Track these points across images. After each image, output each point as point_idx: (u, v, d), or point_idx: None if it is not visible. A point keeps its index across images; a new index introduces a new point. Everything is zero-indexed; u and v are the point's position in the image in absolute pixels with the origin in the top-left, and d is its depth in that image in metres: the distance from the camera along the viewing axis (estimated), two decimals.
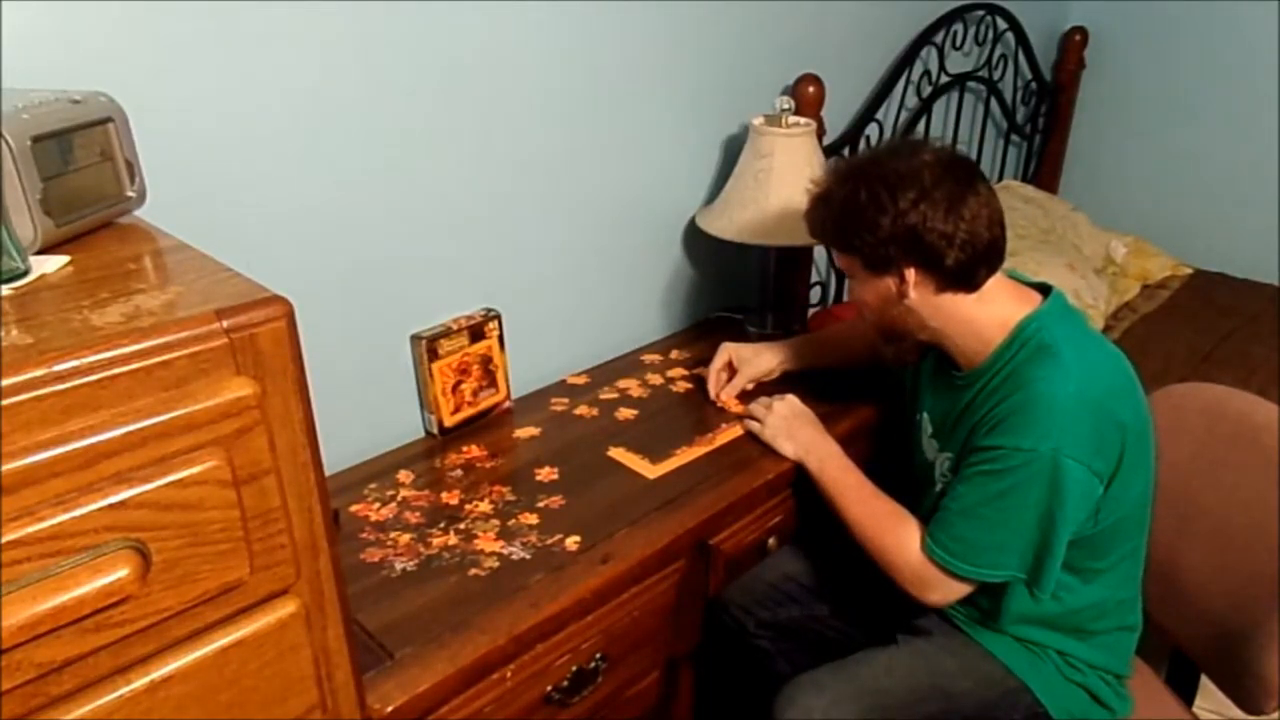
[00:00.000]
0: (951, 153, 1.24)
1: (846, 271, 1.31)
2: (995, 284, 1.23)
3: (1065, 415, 1.14)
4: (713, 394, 1.61)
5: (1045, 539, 1.17)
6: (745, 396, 1.59)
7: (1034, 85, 2.75)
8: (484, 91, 1.46)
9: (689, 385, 1.69)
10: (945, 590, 1.24)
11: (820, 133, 1.88)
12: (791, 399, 1.49)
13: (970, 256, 1.19)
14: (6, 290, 0.71)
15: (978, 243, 1.18)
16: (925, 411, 1.37)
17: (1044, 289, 1.27)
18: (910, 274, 1.21)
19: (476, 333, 1.54)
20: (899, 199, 1.17)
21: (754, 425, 1.49)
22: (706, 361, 1.68)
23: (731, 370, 1.62)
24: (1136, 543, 1.30)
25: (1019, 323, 1.22)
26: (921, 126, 2.34)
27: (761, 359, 1.62)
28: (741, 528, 1.42)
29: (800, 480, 1.44)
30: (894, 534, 1.26)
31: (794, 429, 1.45)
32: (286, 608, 0.77)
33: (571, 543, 1.26)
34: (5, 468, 0.58)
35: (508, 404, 1.62)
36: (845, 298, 2.27)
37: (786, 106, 1.73)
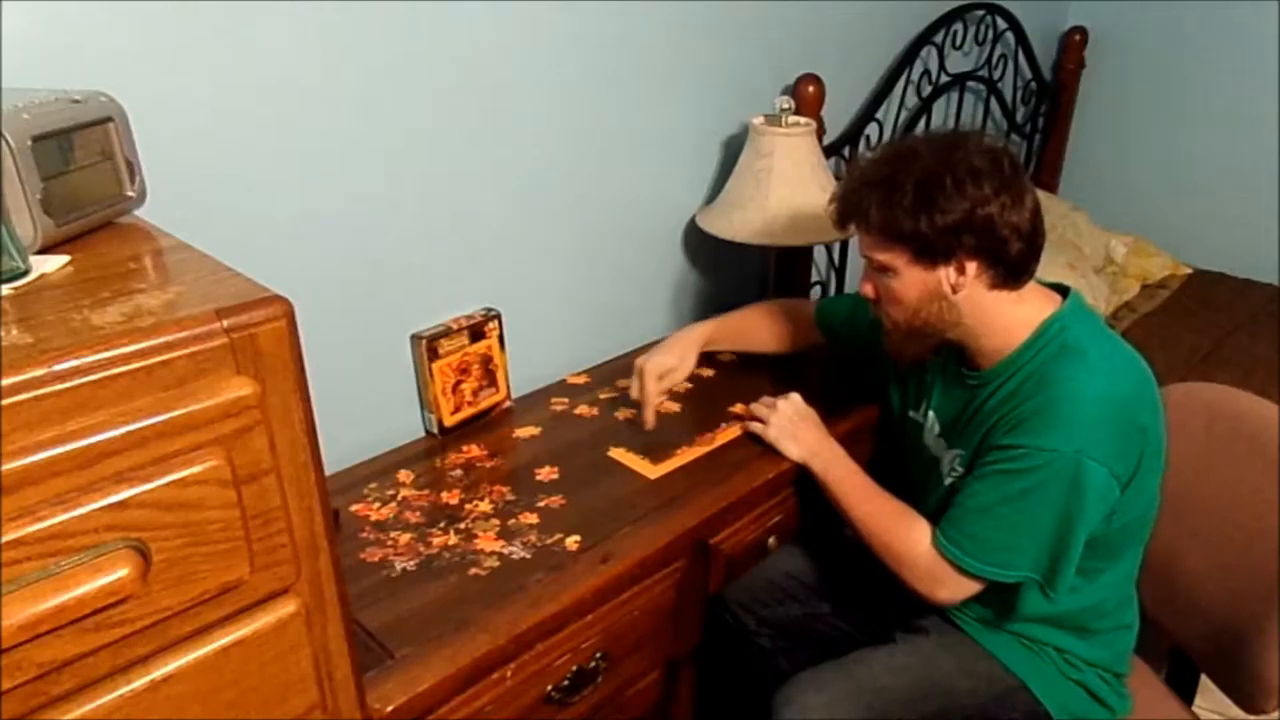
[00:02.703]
0: (1006, 145, 1.23)
1: (883, 264, 1.22)
2: (1028, 285, 1.23)
3: (1090, 417, 1.14)
4: (648, 426, 1.50)
5: (1062, 540, 1.16)
6: (749, 396, 1.59)
7: (1034, 85, 2.75)
8: (485, 91, 1.46)
9: (689, 385, 1.69)
10: (955, 588, 1.23)
11: (820, 133, 1.88)
12: (796, 398, 1.48)
13: (1030, 251, 1.18)
14: (7, 290, 0.71)
15: (1038, 237, 1.19)
16: (932, 410, 1.37)
17: (1060, 289, 1.27)
18: (971, 267, 1.18)
19: (476, 332, 1.55)
20: (983, 186, 1.14)
21: (756, 426, 1.48)
22: (707, 362, 1.67)
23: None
24: (1140, 542, 1.30)
25: (1042, 322, 1.21)
26: (921, 126, 2.34)
27: (686, 362, 1.53)
28: (741, 527, 1.42)
29: (800, 479, 1.44)
30: (903, 532, 1.26)
31: (799, 430, 1.44)
32: (286, 607, 0.77)
33: (571, 542, 1.26)
34: (5, 468, 0.58)
35: (508, 404, 1.62)
36: None
37: (786, 106, 1.73)
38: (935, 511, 1.26)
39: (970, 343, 1.26)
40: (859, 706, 1.22)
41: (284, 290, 0.71)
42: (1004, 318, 1.22)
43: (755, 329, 1.64)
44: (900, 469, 1.44)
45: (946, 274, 1.20)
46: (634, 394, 1.51)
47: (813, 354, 1.65)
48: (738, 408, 1.58)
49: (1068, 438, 1.13)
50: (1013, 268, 1.19)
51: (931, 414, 1.37)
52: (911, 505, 1.30)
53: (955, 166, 1.15)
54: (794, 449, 1.42)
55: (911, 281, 1.22)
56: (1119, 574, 1.29)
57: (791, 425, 1.44)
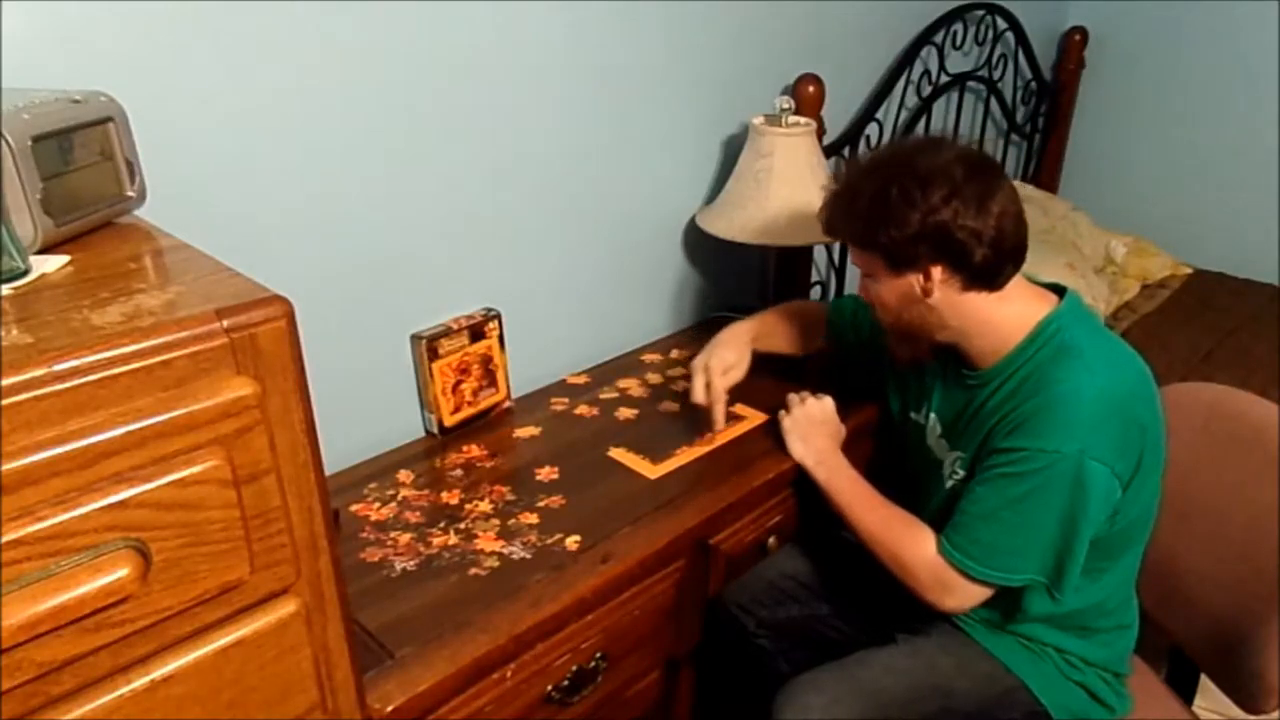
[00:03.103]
0: (978, 150, 1.23)
1: (865, 271, 1.28)
2: (1014, 284, 1.23)
3: (1091, 416, 1.13)
4: (719, 425, 1.50)
5: (1067, 541, 1.16)
6: (749, 396, 1.59)
7: (1034, 85, 2.75)
8: (485, 91, 1.46)
9: (689, 385, 1.69)
10: (964, 595, 1.22)
11: (820, 133, 1.88)
12: (826, 403, 1.47)
13: (997, 254, 1.18)
14: (7, 290, 0.71)
15: (1005, 241, 1.18)
16: (933, 412, 1.36)
17: (1057, 289, 1.27)
18: (936, 272, 1.19)
19: (476, 332, 1.55)
20: (930, 195, 1.15)
21: (781, 412, 1.48)
22: None
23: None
24: (1141, 541, 1.30)
25: (1039, 322, 1.21)
26: (921, 126, 2.34)
27: (744, 359, 1.51)
28: (741, 528, 1.42)
29: (801, 480, 1.44)
30: (909, 541, 1.25)
31: (810, 433, 1.43)
32: (286, 607, 0.77)
33: (571, 542, 1.26)
34: (5, 468, 0.58)
35: (508, 404, 1.62)
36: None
37: (786, 106, 1.73)
38: (937, 514, 1.26)
39: (963, 343, 1.27)
40: (859, 707, 1.22)
41: (284, 290, 0.71)
42: (991, 318, 1.23)
43: (785, 329, 1.63)
44: (901, 472, 1.44)
45: (916, 279, 1.21)
46: (698, 396, 1.47)
47: (813, 354, 1.65)
48: (737, 407, 1.58)
49: (1069, 438, 1.13)
50: (980, 272, 1.19)
51: (933, 416, 1.36)
52: (913, 508, 1.30)
53: (902, 177, 1.17)
54: (799, 449, 1.42)
55: (888, 287, 1.25)
56: (1120, 573, 1.29)
57: (807, 425, 1.44)
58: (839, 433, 1.46)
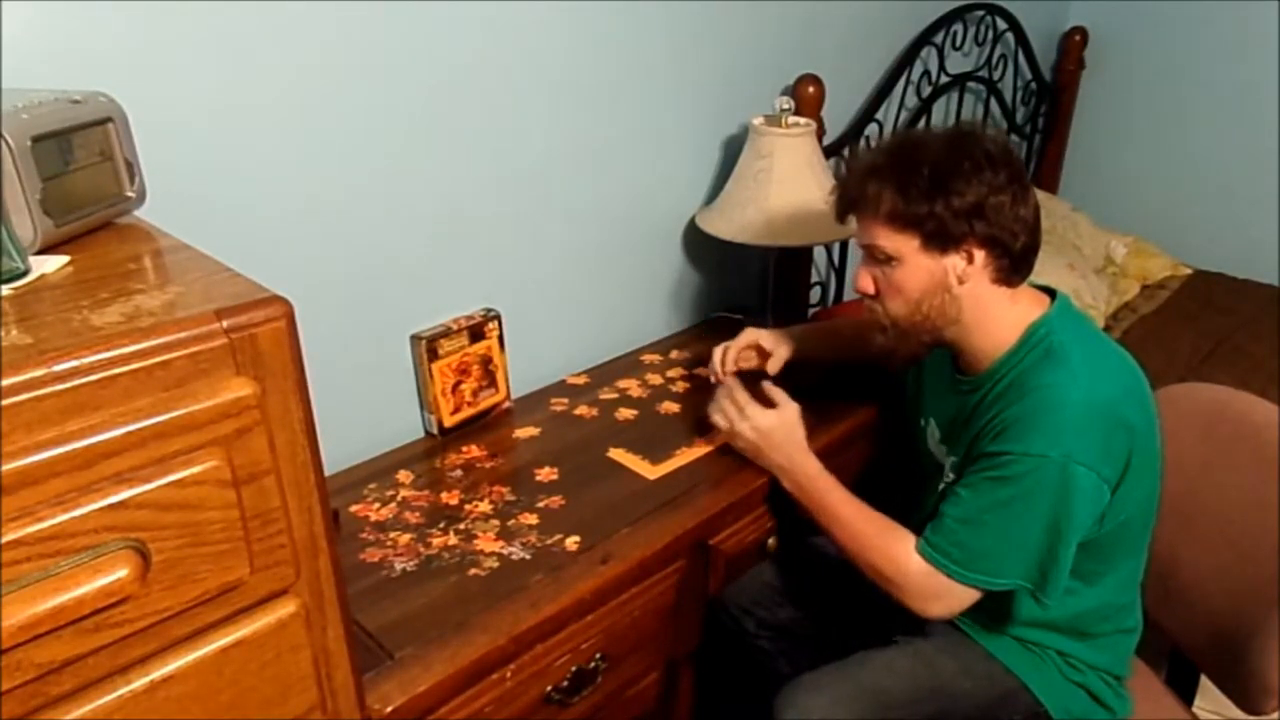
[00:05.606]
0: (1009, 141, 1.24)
1: (889, 254, 1.20)
2: (1021, 286, 1.23)
3: (1074, 421, 1.13)
4: (717, 370, 1.51)
5: (1052, 547, 1.14)
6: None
7: (1034, 85, 2.75)
8: (485, 91, 1.46)
9: (689, 385, 1.69)
10: (948, 600, 1.20)
11: (820, 133, 1.88)
12: (754, 415, 1.38)
13: (1032, 246, 1.19)
14: (6, 290, 0.71)
15: (1038, 235, 1.20)
16: (931, 417, 1.36)
17: (1048, 292, 1.27)
18: (980, 255, 1.18)
19: (476, 333, 1.54)
20: (999, 173, 1.15)
21: (720, 422, 1.41)
22: (706, 361, 1.65)
23: (762, 353, 1.54)
24: (1140, 545, 1.29)
25: (1029, 326, 1.21)
26: (921, 127, 2.34)
27: (783, 348, 1.54)
28: (741, 528, 1.42)
29: None
30: (888, 551, 1.22)
31: (777, 444, 1.36)
32: (286, 608, 0.77)
33: (571, 543, 1.26)
34: (5, 468, 0.58)
35: (507, 404, 1.62)
36: (845, 297, 2.27)
37: (786, 106, 1.73)
38: (930, 518, 1.26)
39: (962, 344, 1.26)
40: (860, 708, 1.21)
41: (284, 290, 0.71)
42: (998, 317, 1.22)
43: (847, 335, 1.61)
44: (907, 474, 1.43)
45: (954, 263, 1.19)
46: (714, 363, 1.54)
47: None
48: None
49: (1054, 443, 1.12)
50: (1017, 261, 1.19)
51: (933, 420, 1.36)
52: (913, 511, 1.29)
53: (971, 152, 1.17)
54: (768, 461, 1.37)
55: (917, 270, 1.20)
56: (1119, 578, 1.28)
57: (753, 449, 1.38)
58: (793, 435, 1.36)
